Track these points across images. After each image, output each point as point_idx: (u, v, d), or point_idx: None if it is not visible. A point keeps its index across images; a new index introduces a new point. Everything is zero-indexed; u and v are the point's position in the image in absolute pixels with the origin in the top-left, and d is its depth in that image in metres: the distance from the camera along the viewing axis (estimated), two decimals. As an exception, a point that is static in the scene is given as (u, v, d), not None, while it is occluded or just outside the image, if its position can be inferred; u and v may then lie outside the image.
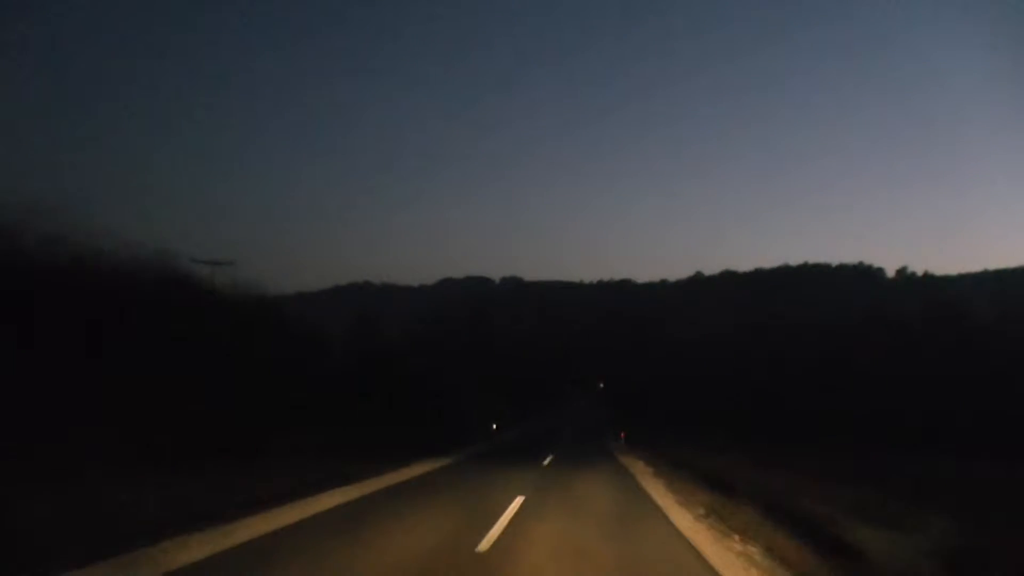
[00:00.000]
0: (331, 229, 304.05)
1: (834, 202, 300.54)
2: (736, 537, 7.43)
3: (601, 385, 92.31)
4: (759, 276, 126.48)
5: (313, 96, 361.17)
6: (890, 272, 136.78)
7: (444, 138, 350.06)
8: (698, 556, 6.45)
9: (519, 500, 9.79)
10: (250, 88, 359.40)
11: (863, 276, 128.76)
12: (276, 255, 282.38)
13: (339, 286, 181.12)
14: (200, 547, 6.20)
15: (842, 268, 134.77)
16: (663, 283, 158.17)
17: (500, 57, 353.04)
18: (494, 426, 27.84)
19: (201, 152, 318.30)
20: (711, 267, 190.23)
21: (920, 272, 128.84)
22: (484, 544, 6.68)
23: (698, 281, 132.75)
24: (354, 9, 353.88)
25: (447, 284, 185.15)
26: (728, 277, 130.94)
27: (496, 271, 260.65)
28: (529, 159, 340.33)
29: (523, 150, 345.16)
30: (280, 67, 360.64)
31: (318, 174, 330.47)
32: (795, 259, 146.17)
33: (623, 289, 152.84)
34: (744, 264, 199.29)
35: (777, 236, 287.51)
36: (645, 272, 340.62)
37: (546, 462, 17.86)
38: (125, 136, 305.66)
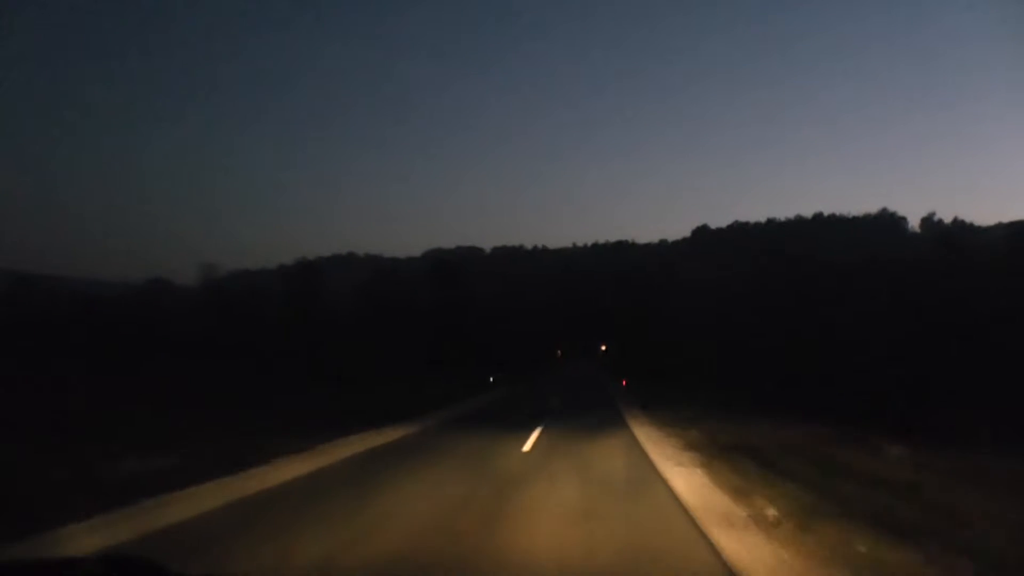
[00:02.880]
0: (323, 201, 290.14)
1: (853, 154, 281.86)
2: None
3: (603, 348, 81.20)
4: (771, 227, 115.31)
5: (309, 69, 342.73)
6: (913, 222, 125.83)
7: (438, 108, 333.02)
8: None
9: None
10: (248, 61, 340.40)
11: (885, 225, 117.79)
12: (263, 227, 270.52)
13: (322, 258, 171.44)
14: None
15: (858, 220, 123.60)
16: (662, 243, 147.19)
17: (498, 26, 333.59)
18: None
19: (197, 126, 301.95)
20: (719, 221, 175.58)
21: (948, 220, 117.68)
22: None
23: (704, 234, 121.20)
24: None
25: (435, 255, 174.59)
26: (738, 229, 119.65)
27: (488, 241, 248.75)
28: (519, 128, 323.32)
29: (512, 121, 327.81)
30: (277, 37, 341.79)
31: (307, 146, 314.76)
32: (809, 211, 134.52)
33: (621, 250, 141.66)
34: (755, 215, 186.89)
35: (790, 189, 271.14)
36: (646, 232, 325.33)
37: None
38: (121, 115, 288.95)
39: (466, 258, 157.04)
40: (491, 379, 33.86)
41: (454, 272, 48.89)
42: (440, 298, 43.97)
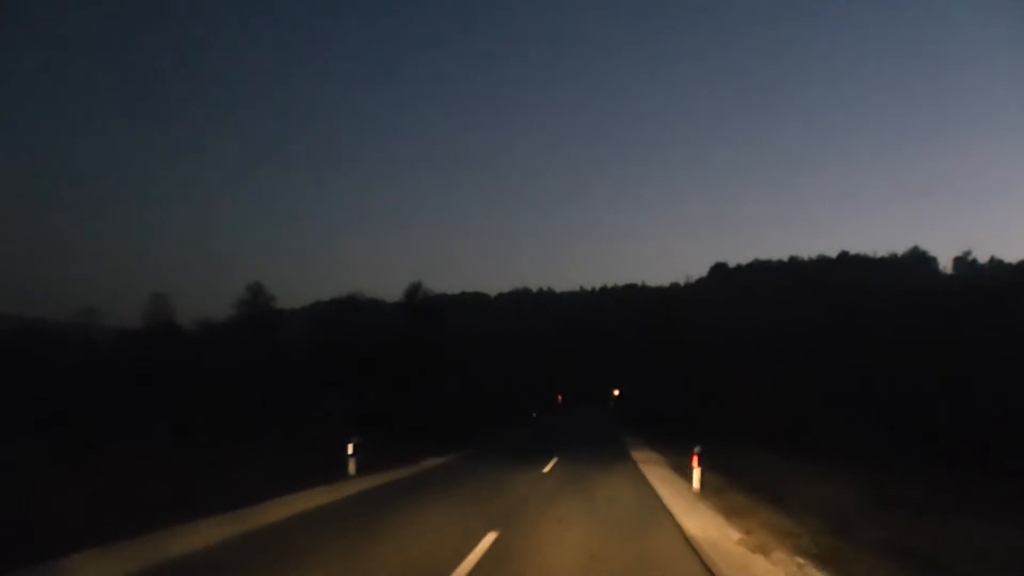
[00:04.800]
0: (324, 244, 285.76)
1: (881, 191, 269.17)
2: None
3: (616, 393, 72.46)
4: (794, 265, 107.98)
5: (315, 110, 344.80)
6: (944, 262, 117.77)
7: (439, 152, 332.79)
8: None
9: None
10: (254, 101, 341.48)
11: (913, 265, 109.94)
12: (264, 269, 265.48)
13: (321, 302, 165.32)
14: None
15: (884, 260, 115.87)
16: (674, 286, 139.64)
17: (505, 69, 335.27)
18: None
19: (200, 159, 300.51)
20: (737, 259, 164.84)
21: (984, 259, 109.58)
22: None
23: (723, 272, 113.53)
24: (353, 18, 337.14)
25: (436, 301, 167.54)
26: (758, 267, 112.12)
27: (493, 286, 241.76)
28: (523, 172, 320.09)
29: (516, 165, 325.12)
30: (283, 79, 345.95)
31: (308, 187, 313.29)
32: (834, 249, 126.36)
33: (631, 293, 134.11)
34: (776, 253, 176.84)
35: (813, 226, 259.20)
36: (659, 274, 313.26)
37: None
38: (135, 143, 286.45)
39: (470, 304, 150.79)
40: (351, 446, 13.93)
41: (431, 313, 41.45)
42: (408, 342, 36.54)
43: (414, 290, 41.27)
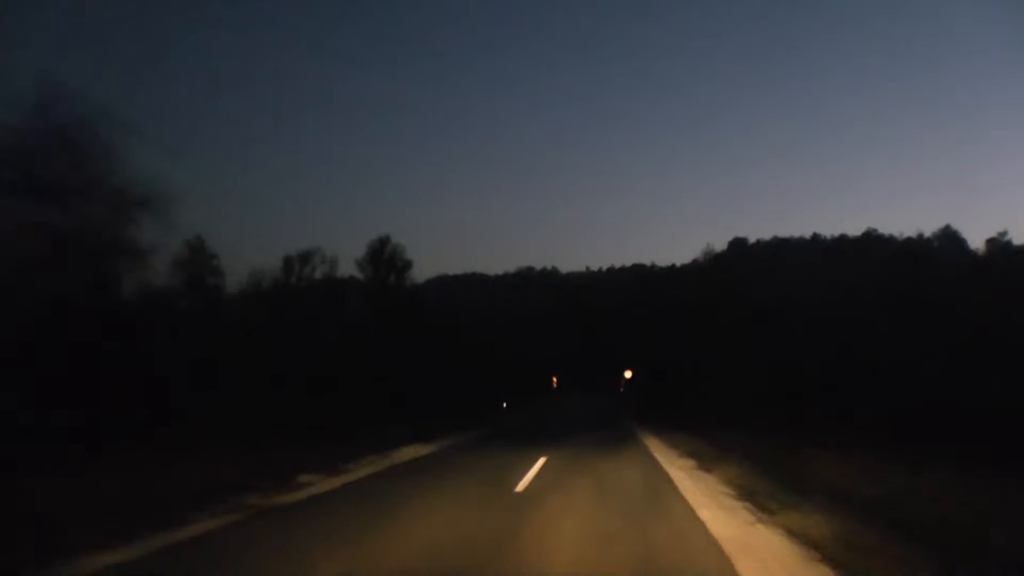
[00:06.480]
0: (327, 226, 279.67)
1: (909, 169, 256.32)
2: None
3: (628, 375, 63.58)
4: (817, 244, 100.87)
5: (314, 94, 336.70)
6: (975, 243, 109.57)
7: (444, 133, 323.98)
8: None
9: None
10: (262, 83, 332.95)
11: (943, 246, 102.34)
12: (252, 253, 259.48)
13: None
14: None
15: (912, 241, 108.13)
16: (694, 262, 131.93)
17: (513, 50, 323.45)
18: None
19: (206, 151, 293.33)
20: (758, 236, 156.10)
21: (1021, 240, 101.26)
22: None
23: (742, 248, 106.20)
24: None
25: (440, 281, 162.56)
26: (777, 245, 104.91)
27: (499, 267, 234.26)
28: (530, 148, 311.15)
29: (523, 142, 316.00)
30: (284, 63, 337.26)
31: (310, 169, 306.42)
32: (856, 229, 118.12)
33: (639, 272, 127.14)
34: (799, 230, 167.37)
35: (837, 204, 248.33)
36: (669, 254, 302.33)
37: None
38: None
39: (469, 284, 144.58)
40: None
41: (395, 270, 34.23)
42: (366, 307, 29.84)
43: (380, 245, 33.59)
